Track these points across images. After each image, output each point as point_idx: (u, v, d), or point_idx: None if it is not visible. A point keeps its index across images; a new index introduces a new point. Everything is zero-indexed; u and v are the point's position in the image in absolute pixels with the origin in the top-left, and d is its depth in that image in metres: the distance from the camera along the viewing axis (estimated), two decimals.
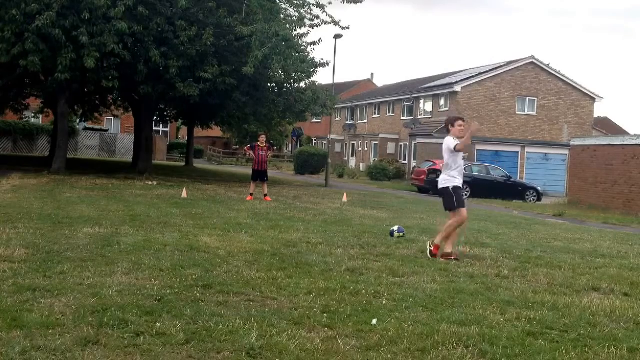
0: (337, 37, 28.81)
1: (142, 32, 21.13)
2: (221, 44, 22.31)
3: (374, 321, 4.98)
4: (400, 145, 45.57)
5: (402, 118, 46.15)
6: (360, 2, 22.35)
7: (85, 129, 46.04)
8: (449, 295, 6.12)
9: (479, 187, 27.35)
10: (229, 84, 22.40)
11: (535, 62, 40.70)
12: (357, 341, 4.51)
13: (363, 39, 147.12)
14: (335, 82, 31.88)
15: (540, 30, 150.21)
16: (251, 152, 17.40)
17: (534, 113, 40.63)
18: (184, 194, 16.38)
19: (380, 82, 73.36)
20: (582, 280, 7.44)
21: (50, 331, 4.28)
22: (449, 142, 8.49)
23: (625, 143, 23.26)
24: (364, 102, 52.93)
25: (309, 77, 25.40)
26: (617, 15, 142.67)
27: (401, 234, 10.42)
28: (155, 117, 32.66)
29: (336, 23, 22.16)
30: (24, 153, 40.57)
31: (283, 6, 23.08)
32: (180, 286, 5.79)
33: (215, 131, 52.72)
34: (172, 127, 56.46)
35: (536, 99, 40.56)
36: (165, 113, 35.79)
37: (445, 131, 8.86)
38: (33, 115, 40.98)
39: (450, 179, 8.53)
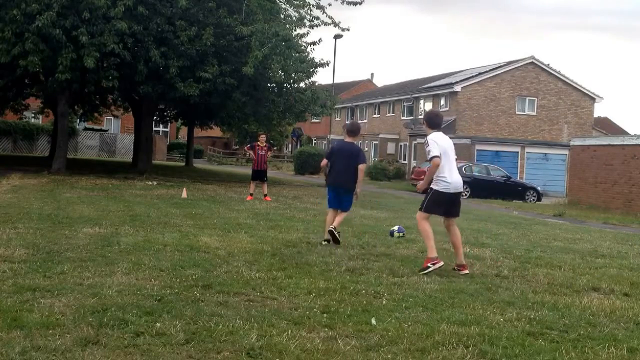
0: (337, 37, 28.84)
1: (142, 32, 21.13)
2: (221, 44, 22.30)
3: (373, 321, 4.99)
4: (400, 145, 45.57)
5: (402, 118, 46.15)
6: (360, 3, 22.36)
7: (85, 129, 46.05)
8: (449, 295, 6.12)
9: (479, 187, 27.34)
10: (229, 84, 22.39)
11: (535, 62, 40.68)
12: (357, 341, 4.51)
13: (363, 39, 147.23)
14: (335, 82, 31.91)
15: (540, 30, 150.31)
16: (251, 152, 17.40)
17: (534, 113, 40.62)
18: (184, 194, 16.37)
19: (380, 82, 73.38)
20: (582, 280, 7.44)
21: (50, 331, 4.28)
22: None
23: (625, 143, 23.26)
24: (364, 102, 52.92)
25: (308, 77, 25.40)
26: (618, 15, 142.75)
27: (401, 234, 10.42)
28: (155, 117, 32.64)
29: (336, 24, 22.14)
30: (24, 153, 40.57)
31: (283, 6, 23.08)
32: (180, 286, 5.79)
33: (215, 131, 52.71)
34: (172, 127, 56.44)
35: (536, 99, 40.54)
36: (165, 113, 35.78)
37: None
38: (33, 115, 40.99)
39: None
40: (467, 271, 7.46)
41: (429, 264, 7.29)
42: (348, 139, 9.59)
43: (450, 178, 7.47)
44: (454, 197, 7.60)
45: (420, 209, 7.63)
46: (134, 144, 30.74)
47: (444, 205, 7.53)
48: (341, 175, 9.19)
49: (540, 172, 35.70)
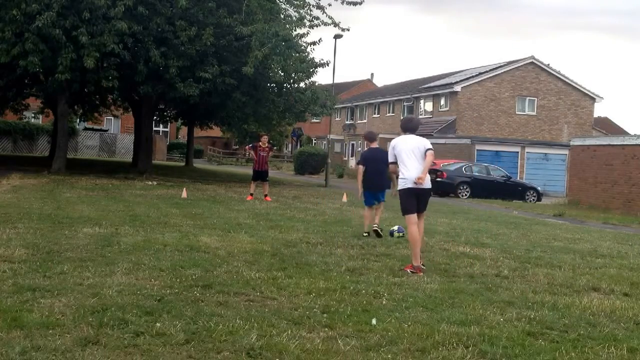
0: (337, 37, 28.77)
1: (142, 32, 21.14)
2: (221, 44, 22.30)
3: (374, 321, 4.99)
4: None
5: (402, 118, 46.17)
6: (360, 3, 22.36)
7: (85, 129, 46.03)
8: (449, 295, 6.12)
9: (479, 187, 27.29)
10: (229, 84, 22.39)
11: (535, 62, 40.68)
12: (357, 341, 4.51)
13: (363, 39, 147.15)
14: (335, 82, 31.86)
15: (540, 30, 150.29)
16: (252, 152, 17.42)
17: (534, 113, 40.62)
18: (184, 194, 16.37)
19: (380, 82, 73.33)
20: (582, 280, 7.44)
21: (50, 331, 4.28)
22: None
23: (625, 143, 23.25)
24: (364, 102, 52.91)
25: (308, 77, 25.40)
26: (618, 15, 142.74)
27: (401, 234, 10.41)
28: (155, 117, 32.65)
29: (336, 24, 22.15)
30: (24, 153, 40.55)
31: (283, 6, 23.08)
32: (180, 286, 5.79)
33: (215, 131, 52.67)
34: (172, 127, 56.43)
35: (536, 99, 40.54)
36: (165, 113, 35.78)
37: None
38: (33, 115, 40.97)
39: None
40: (412, 270, 7.25)
41: (409, 270, 7.27)
42: (372, 146, 11.07)
43: (406, 174, 7.79)
44: (419, 192, 7.81)
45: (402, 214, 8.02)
46: (134, 144, 30.75)
47: (411, 200, 7.85)
48: (375, 179, 10.69)
49: (540, 172, 35.67)
